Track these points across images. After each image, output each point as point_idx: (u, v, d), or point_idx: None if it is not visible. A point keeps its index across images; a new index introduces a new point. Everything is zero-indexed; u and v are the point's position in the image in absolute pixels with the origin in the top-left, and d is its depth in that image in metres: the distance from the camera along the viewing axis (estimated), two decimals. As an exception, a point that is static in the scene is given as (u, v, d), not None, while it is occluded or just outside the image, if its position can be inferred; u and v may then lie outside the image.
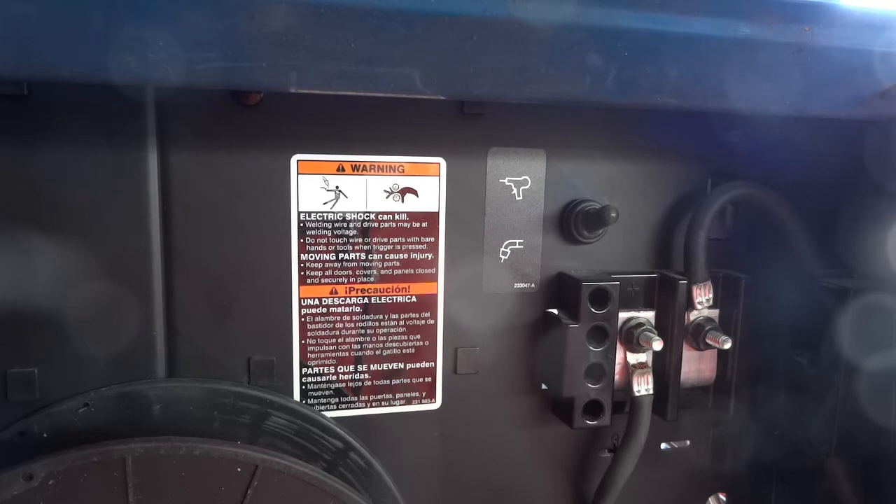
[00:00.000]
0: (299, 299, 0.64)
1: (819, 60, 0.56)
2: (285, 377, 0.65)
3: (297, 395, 0.65)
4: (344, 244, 0.64)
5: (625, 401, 0.73)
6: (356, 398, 0.67)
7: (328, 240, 0.64)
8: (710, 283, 0.71)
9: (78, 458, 0.47)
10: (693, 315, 0.72)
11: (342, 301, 0.65)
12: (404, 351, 0.68)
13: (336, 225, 0.64)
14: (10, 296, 0.56)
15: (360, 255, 0.65)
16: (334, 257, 0.64)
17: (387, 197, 0.65)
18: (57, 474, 0.47)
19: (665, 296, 0.71)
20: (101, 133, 0.57)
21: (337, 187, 0.64)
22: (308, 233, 0.63)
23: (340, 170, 0.63)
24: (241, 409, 0.61)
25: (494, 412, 0.72)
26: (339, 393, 0.67)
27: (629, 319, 0.71)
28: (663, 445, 0.79)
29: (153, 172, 0.58)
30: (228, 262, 0.62)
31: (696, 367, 0.74)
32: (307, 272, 0.64)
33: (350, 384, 0.67)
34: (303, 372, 0.65)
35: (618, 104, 0.54)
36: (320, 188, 0.63)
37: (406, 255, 0.66)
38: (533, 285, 0.71)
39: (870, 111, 0.58)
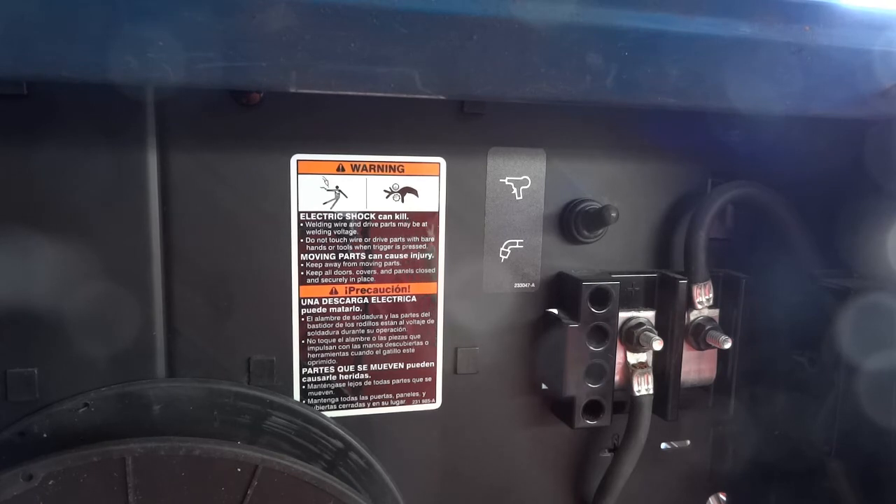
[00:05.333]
0: (299, 299, 0.64)
1: (819, 60, 0.56)
2: (285, 377, 0.65)
3: (297, 395, 0.65)
4: (344, 244, 0.64)
5: (625, 401, 0.73)
6: (356, 398, 0.67)
7: (328, 240, 0.64)
8: (710, 282, 0.71)
9: (78, 458, 0.47)
10: (693, 315, 0.72)
11: (342, 301, 0.65)
12: (404, 351, 0.68)
13: (336, 225, 0.64)
14: (10, 296, 0.56)
15: (360, 255, 0.65)
16: (334, 257, 0.64)
17: (387, 197, 0.65)
18: (57, 474, 0.47)
19: (665, 296, 0.71)
20: (101, 133, 0.57)
21: (337, 187, 0.64)
22: (308, 233, 0.63)
23: (340, 170, 0.63)
24: (240, 409, 0.61)
25: (494, 412, 0.72)
26: (339, 393, 0.67)
27: (629, 319, 0.71)
28: (663, 445, 0.79)
29: (153, 172, 0.58)
30: (228, 262, 0.62)
31: (696, 367, 0.74)
32: (307, 272, 0.64)
33: (350, 384, 0.67)
34: (303, 372, 0.65)
35: (618, 104, 0.54)
36: (320, 188, 0.63)
37: (406, 255, 0.66)
38: (533, 285, 0.71)
39: (870, 111, 0.58)
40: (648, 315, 0.72)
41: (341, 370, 0.66)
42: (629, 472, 0.73)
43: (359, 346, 0.67)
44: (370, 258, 0.65)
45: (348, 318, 0.66)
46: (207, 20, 0.43)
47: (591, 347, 0.69)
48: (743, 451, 0.79)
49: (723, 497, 0.83)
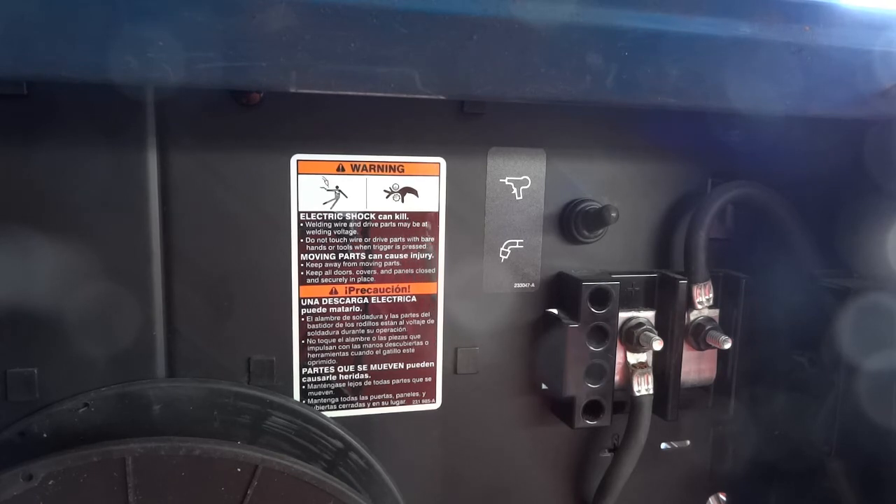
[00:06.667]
0: (299, 299, 0.64)
1: (819, 60, 0.56)
2: (285, 377, 0.65)
3: (297, 395, 0.65)
4: (344, 244, 0.64)
5: (625, 401, 0.73)
6: (356, 398, 0.67)
7: (328, 240, 0.64)
8: (710, 282, 0.71)
9: (78, 458, 0.47)
10: (693, 315, 0.72)
11: (342, 301, 0.65)
12: (404, 351, 0.68)
13: (336, 225, 0.64)
14: (10, 296, 0.56)
15: (360, 255, 0.65)
16: (334, 257, 0.64)
17: (387, 197, 0.65)
18: (57, 474, 0.47)
19: (665, 296, 0.71)
20: (101, 133, 0.57)
21: (337, 187, 0.64)
22: (308, 233, 0.63)
23: (340, 170, 0.63)
24: (240, 409, 0.61)
25: (494, 412, 0.72)
26: (339, 393, 0.67)
27: (629, 319, 0.71)
28: (663, 445, 0.79)
29: (153, 172, 0.58)
30: (228, 262, 0.62)
31: (696, 367, 0.74)
32: (307, 272, 0.64)
33: (350, 384, 0.67)
34: (303, 372, 0.65)
35: (618, 104, 0.54)
36: (320, 188, 0.63)
37: (406, 255, 0.66)
38: (533, 285, 0.71)
39: (870, 111, 0.58)
40: (648, 315, 0.72)
41: (341, 370, 0.66)
42: (629, 472, 0.73)
43: (359, 346, 0.67)
44: (370, 258, 0.65)
45: (348, 318, 0.66)
46: (207, 20, 0.43)
47: (591, 347, 0.69)
48: (743, 451, 0.79)
49: (723, 497, 0.83)
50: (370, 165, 0.64)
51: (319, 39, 0.45)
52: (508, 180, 0.68)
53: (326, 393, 0.66)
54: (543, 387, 0.72)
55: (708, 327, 0.71)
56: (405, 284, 0.67)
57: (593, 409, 0.70)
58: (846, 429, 0.67)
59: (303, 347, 0.65)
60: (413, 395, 0.69)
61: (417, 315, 0.68)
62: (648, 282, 0.72)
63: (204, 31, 0.44)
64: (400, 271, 0.66)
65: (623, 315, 0.71)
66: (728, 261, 0.76)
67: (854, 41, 0.56)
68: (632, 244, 0.74)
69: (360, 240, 0.65)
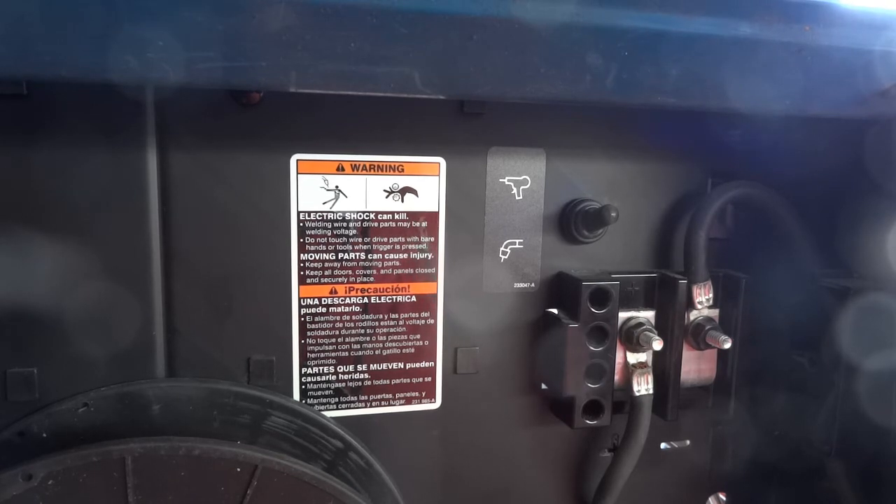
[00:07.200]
0: (299, 299, 0.64)
1: (819, 60, 0.56)
2: (285, 377, 0.65)
3: (296, 395, 0.65)
4: (344, 244, 0.64)
5: (625, 401, 0.73)
6: (356, 398, 0.67)
7: (328, 239, 0.64)
8: (710, 282, 0.71)
9: (77, 458, 0.47)
10: (693, 315, 0.72)
11: (342, 301, 0.65)
12: (404, 351, 0.68)
13: (336, 225, 0.64)
14: (10, 296, 0.56)
15: (359, 255, 0.65)
16: (334, 257, 0.64)
17: (386, 197, 0.65)
18: (56, 474, 0.47)
19: (665, 296, 0.71)
20: (101, 133, 0.57)
21: (337, 187, 0.64)
22: (308, 232, 0.63)
23: (340, 169, 0.63)
24: (240, 409, 0.61)
25: (494, 412, 0.72)
26: (338, 393, 0.67)
27: (629, 319, 0.71)
28: (663, 445, 0.79)
29: (153, 172, 0.58)
30: (228, 262, 0.62)
31: (696, 366, 0.74)
32: (307, 272, 0.64)
33: (350, 384, 0.67)
34: (302, 372, 0.65)
35: (618, 104, 0.54)
36: (320, 188, 0.63)
37: (406, 255, 0.66)
38: (533, 285, 0.71)
39: (870, 111, 0.58)
40: (648, 315, 0.72)
41: (341, 370, 0.66)
42: (629, 472, 0.73)
43: (358, 346, 0.67)
44: (370, 258, 0.65)
45: (348, 317, 0.66)
46: (207, 20, 0.43)
47: (591, 347, 0.69)
48: (743, 451, 0.79)
49: (723, 497, 0.83)
50: (370, 165, 0.64)
51: (319, 39, 0.45)
52: (508, 180, 0.68)
53: (326, 393, 0.66)
54: (543, 387, 0.72)
55: (708, 327, 0.71)
56: (405, 284, 0.67)
57: (593, 408, 0.70)
58: (846, 429, 0.67)
59: (303, 347, 0.65)
60: (413, 394, 0.69)
61: (417, 315, 0.68)
62: (648, 282, 0.72)
63: (204, 31, 0.43)
64: (400, 271, 0.66)
65: (623, 315, 0.71)
66: (728, 261, 0.76)
67: (854, 41, 0.56)
68: (632, 244, 0.74)
69: (360, 239, 0.65)
